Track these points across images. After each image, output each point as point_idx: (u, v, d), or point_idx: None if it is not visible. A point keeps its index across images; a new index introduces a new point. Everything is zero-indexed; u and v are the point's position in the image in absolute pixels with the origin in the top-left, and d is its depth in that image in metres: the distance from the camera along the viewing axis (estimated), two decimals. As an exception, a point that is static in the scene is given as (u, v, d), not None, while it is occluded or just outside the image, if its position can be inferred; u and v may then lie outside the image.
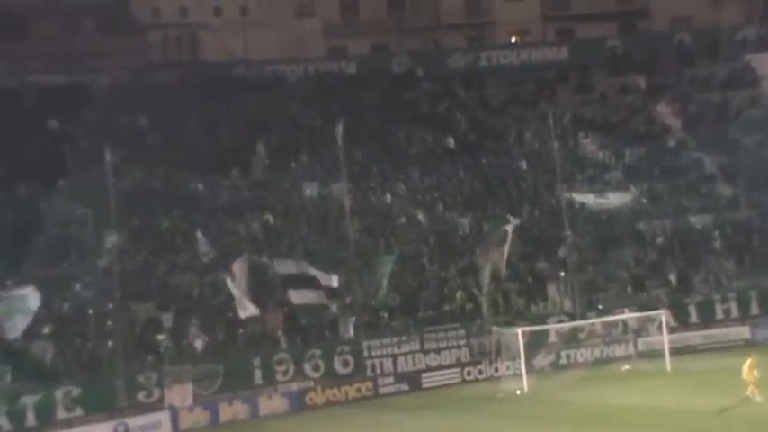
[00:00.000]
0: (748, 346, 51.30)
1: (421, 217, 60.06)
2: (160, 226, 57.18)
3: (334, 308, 52.10)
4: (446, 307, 53.74)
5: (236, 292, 48.86)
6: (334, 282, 50.77)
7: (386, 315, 53.01)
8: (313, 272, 50.46)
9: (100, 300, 50.65)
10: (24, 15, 75.74)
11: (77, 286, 52.12)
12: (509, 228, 52.88)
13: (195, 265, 54.61)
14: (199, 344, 50.03)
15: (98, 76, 68.69)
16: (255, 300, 49.58)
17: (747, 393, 37.06)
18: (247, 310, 49.17)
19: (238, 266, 49.34)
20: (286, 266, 51.06)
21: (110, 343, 48.50)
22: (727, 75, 73.78)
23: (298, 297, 50.45)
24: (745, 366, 37.62)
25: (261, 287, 51.14)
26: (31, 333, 47.68)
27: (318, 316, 51.94)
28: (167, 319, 51.05)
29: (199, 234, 54.73)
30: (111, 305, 49.38)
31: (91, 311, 50.60)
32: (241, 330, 50.96)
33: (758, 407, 35.98)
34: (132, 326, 50.17)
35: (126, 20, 77.79)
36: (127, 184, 56.79)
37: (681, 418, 36.74)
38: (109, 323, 49.31)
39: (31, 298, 46.22)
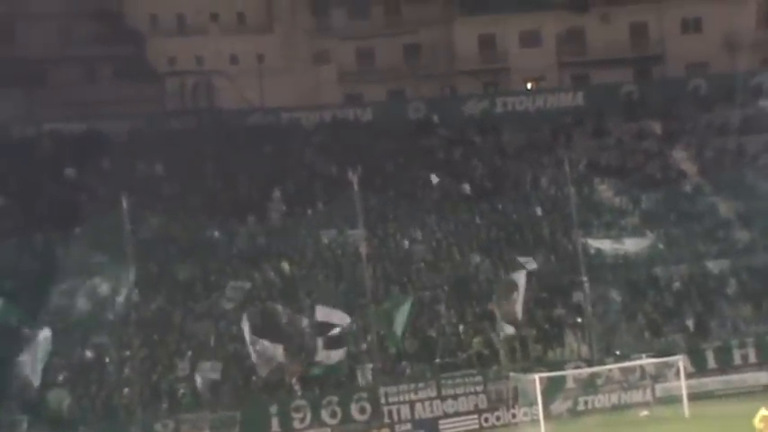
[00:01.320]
0: (766, 392, 51.06)
1: (437, 263, 60.04)
2: (177, 273, 57.31)
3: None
4: (463, 353, 53.60)
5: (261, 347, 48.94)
6: (347, 319, 50.62)
7: (403, 361, 52.89)
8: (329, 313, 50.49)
9: (117, 347, 50.71)
10: (41, 63, 76.37)
11: (94, 334, 52.17)
12: (520, 276, 52.91)
13: (212, 312, 54.67)
14: (207, 389, 50.03)
15: (115, 123, 68.97)
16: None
17: None
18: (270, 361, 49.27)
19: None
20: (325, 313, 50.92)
21: (126, 390, 48.49)
22: (743, 120, 73.75)
23: (329, 356, 50.57)
24: (757, 418, 37.51)
25: (277, 333, 51.08)
26: (47, 381, 47.71)
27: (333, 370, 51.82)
28: (184, 368, 51.01)
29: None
30: (128, 353, 49.43)
31: (107, 359, 50.66)
32: (254, 378, 50.85)
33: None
34: (149, 373, 50.16)
35: (142, 68, 78.31)
36: (143, 231, 56.92)
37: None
38: (126, 371, 49.34)
39: (46, 341, 46.32)
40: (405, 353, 53.06)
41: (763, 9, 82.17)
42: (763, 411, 37.51)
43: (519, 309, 52.27)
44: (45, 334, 46.45)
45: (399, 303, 51.71)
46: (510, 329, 52.64)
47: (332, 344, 50.24)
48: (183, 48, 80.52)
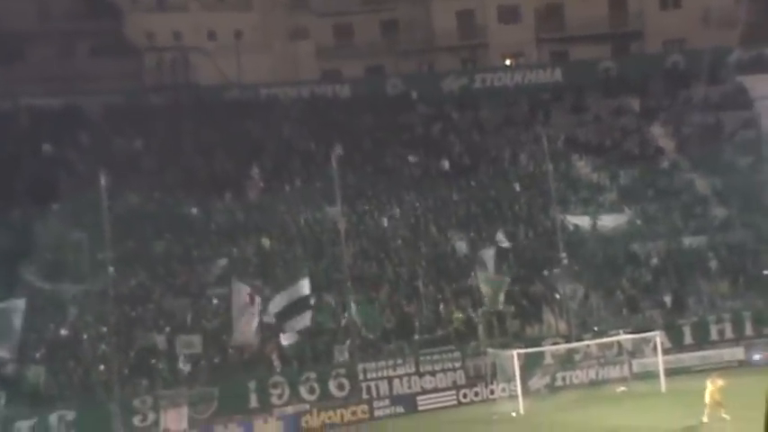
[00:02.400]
0: (742, 367, 51.40)
1: (416, 239, 60.10)
2: (154, 249, 57.23)
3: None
4: (441, 330, 53.72)
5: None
6: (306, 289, 50.31)
7: (380, 337, 53.03)
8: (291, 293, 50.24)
9: (94, 324, 50.64)
10: (19, 38, 75.85)
11: (72, 310, 52.10)
12: (489, 253, 53.22)
13: (190, 288, 54.64)
14: (188, 367, 49.98)
15: (93, 99, 68.69)
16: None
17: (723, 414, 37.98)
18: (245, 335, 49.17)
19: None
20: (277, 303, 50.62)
21: (104, 367, 48.44)
22: (721, 96, 73.95)
23: (289, 337, 50.49)
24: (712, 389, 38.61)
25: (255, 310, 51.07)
26: (24, 357, 47.63)
27: (313, 339, 51.87)
28: (162, 343, 51.00)
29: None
30: (105, 329, 49.37)
31: (85, 336, 50.60)
32: (233, 352, 50.86)
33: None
34: (127, 350, 50.13)
35: (121, 43, 77.91)
36: (121, 207, 56.80)
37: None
38: (103, 347, 49.28)
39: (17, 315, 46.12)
40: (383, 329, 53.23)
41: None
42: (714, 382, 38.50)
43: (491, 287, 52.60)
44: (18, 306, 46.20)
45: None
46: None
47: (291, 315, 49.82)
48: (162, 23, 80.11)
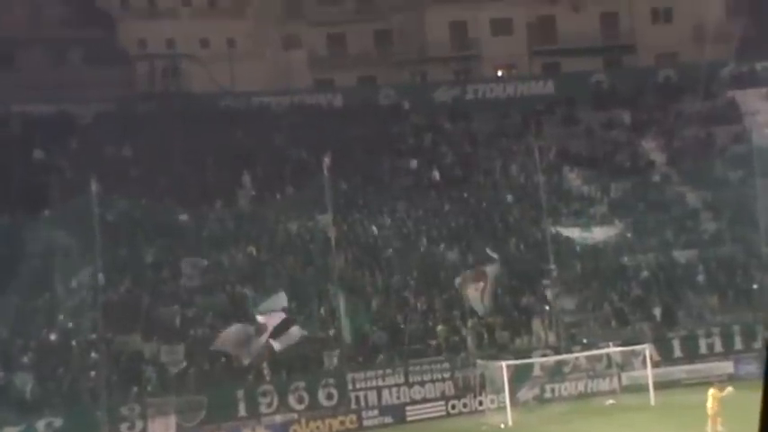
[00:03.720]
0: (732, 380, 51.39)
1: (406, 249, 60.06)
2: (144, 257, 57.14)
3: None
4: (431, 340, 53.68)
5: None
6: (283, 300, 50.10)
7: (370, 347, 52.96)
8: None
9: (83, 330, 50.51)
10: (10, 45, 75.77)
11: (61, 317, 51.98)
12: (489, 268, 53.14)
13: (180, 295, 54.54)
14: (176, 375, 49.85)
15: (84, 106, 68.59)
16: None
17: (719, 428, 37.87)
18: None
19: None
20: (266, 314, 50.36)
21: (92, 374, 48.32)
22: (712, 111, 74.08)
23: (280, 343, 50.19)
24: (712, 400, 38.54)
25: (245, 318, 50.99)
26: (12, 364, 47.49)
27: (303, 348, 51.78)
28: (151, 350, 50.89)
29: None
30: (94, 336, 49.25)
31: (74, 342, 50.47)
32: (222, 360, 50.74)
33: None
34: (115, 357, 50.00)
35: (112, 50, 77.82)
36: (112, 214, 56.73)
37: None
38: (92, 354, 49.15)
39: None
40: (372, 339, 53.17)
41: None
42: (714, 392, 38.36)
43: (486, 299, 52.44)
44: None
45: None
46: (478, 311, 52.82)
47: (280, 332, 49.55)
48: (154, 31, 79.97)
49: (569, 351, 53.17)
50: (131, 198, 60.47)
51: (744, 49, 79.07)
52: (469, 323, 53.62)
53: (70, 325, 51.54)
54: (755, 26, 78.80)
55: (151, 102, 71.76)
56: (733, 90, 75.12)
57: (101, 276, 49.31)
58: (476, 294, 52.30)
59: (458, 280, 54.12)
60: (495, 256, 55.59)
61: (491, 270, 53.28)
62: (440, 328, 54.05)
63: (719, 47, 78.12)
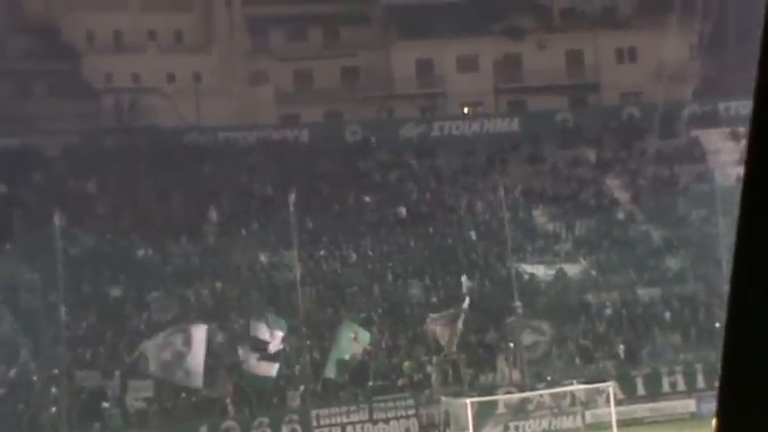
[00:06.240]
0: (694, 419, 51.54)
1: (371, 286, 60.06)
2: (109, 292, 56.85)
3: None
4: (395, 377, 53.60)
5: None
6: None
7: (334, 384, 52.80)
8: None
9: (45, 366, 50.15)
10: (-25, 78, 75.52)
11: (23, 352, 51.60)
12: (464, 306, 53.17)
13: (144, 331, 54.23)
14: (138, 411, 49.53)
15: (49, 139, 68.41)
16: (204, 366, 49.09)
17: None
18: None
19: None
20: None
21: (54, 409, 47.95)
22: (675, 149, 74.66)
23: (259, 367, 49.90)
24: None
25: (209, 354, 50.74)
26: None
27: (266, 384, 51.54)
28: (113, 387, 50.55)
29: None
30: (56, 371, 48.90)
31: (35, 378, 50.09)
32: (185, 395, 50.45)
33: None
34: (77, 393, 49.63)
35: (78, 84, 77.61)
36: (76, 248, 56.44)
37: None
38: (54, 390, 48.78)
39: None
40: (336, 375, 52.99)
41: (696, 40, 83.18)
42: None
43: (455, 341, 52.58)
44: None
45: None
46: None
47: (266, 357, 49.50)
48: (120, 65, 79.81)
49: (534, 388, 53.20)
50: (96, 232, 60.28)
51: (707, 89, 79.81)
52: (434, 360, 53.59)
53: (33, 360, 51.14)
54: (719, 66, 79.47)
55: (116, 136, 71.56)
56: (696, 129, 75.72)
57: (63, 311, 48.98)
58: (444, 334, 52.28)
59: (428, 320, 54.03)
60: (466, 286, 55.57)
61: (462, 317, 53.25)
62: (405, 364, 53.97)
63: (683, 86, 78.82)
